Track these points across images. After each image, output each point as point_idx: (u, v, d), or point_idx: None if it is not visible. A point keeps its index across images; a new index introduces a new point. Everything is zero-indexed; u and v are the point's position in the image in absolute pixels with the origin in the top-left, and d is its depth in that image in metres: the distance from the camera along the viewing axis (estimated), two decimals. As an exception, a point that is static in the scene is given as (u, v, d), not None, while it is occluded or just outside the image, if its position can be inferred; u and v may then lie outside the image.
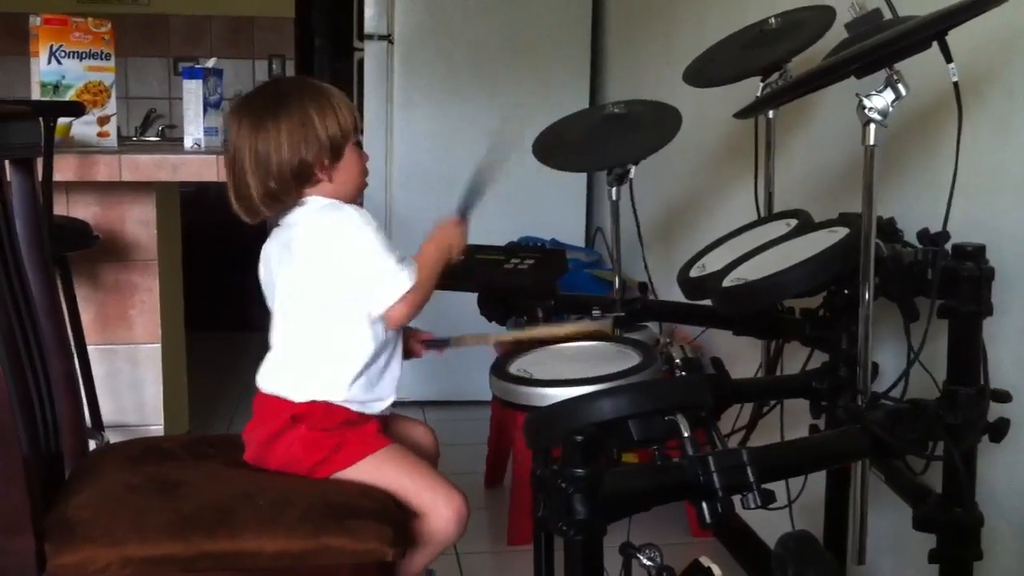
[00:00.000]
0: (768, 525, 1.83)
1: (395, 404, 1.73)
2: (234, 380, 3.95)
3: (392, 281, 1.60)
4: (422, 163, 3.81)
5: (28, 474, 1.39)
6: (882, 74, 1.38)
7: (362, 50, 3.87)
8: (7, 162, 1.54)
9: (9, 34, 4.54)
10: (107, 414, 2.83)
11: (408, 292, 1.60)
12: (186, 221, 3.50)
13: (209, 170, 2.61)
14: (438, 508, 1.61)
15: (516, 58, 3.83)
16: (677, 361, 1.75)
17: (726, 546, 2.35)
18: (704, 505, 1.24)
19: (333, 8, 5.12)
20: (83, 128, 2.71)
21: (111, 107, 2.77)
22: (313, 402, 1.62)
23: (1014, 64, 1.66)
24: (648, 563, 1.30)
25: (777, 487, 1.29)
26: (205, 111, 2.81)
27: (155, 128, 4.99)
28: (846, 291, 1.67)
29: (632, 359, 1.68)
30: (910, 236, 1.62)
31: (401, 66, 3.78)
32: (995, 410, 1.52)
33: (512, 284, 2.04)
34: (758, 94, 1.99)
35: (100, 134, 2.76)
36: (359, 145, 1.69)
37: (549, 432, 1.32)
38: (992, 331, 1.57)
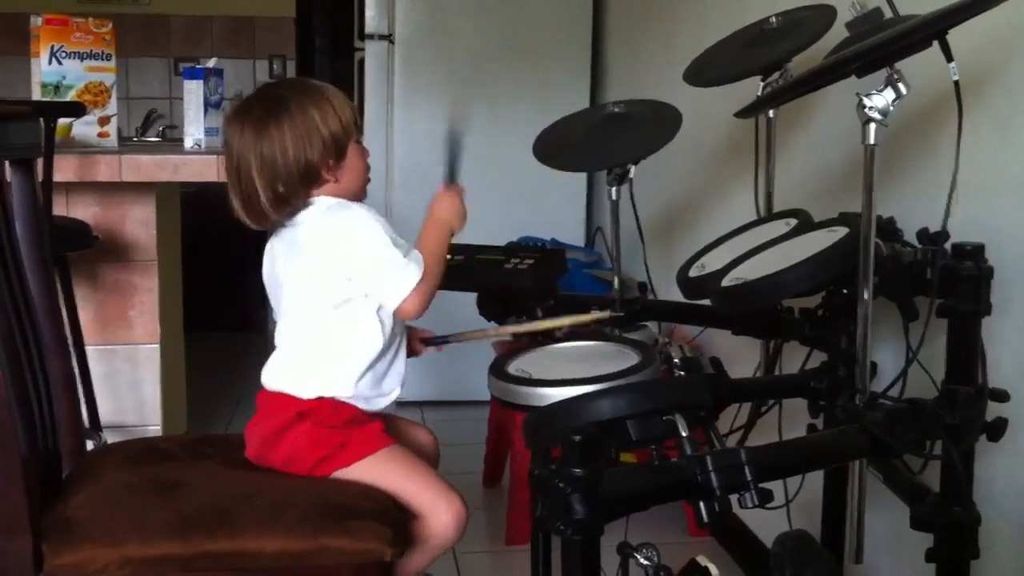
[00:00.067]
0: (766, 524, 1.83)
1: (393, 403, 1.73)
2: (233, 380, 3.95)
3: (401, 275, 1.60)
4: (422, 163, 3.80)
5: (26, 474, 1.39)
6: (882, 73, 1.38)
7: (363, 50, 3.87)
8: (7, 162, 1.54)
9: (10, 34, 4.54)
10: (105, 414, 2.82)
11: (419, 283, 1.60)
12: (186, 221, 3.50)
13: (210, 170, 2.61)
14: (438, 511, 1.61)
15: (516, 58, 3.83)
16: (676, 361, 1.75)
17: (724, 545, 2.34)
18: (702, 504, 1.24)
19: (334, 8, 5.12)
20: (84, 128, 2.71)
21: (112, 107, 2.77)
22: (321, 398, 1.63)
23: (1014, 63, 1.66)
24: (645, 562, 1.30)
25: (775, 486, 1.29)
26: (206, 111, 2.81)
27: (156, 128, 4.99)
28: (845, 291, 1.67)
29: (631, 359, 1.68)
30: (909, 235, 1.62)
31: (402, 66, 3.79)
32: (993, 409, 1.52)
33: (512, 284, 2.04)
34: (758, 93, 1.99)
35: (101, 134, 2.76)
36: (360, 142, 1.69)
37: (547, 432, 1.32)
38: (991, 331, 1.57)
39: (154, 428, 3.00)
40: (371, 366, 1.65)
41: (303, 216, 1.64)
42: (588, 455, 1.19)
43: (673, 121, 2.10)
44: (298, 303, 1.67)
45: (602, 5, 3.93)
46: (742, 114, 1.70)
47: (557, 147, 2.17)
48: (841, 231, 1.61)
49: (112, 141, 2.77)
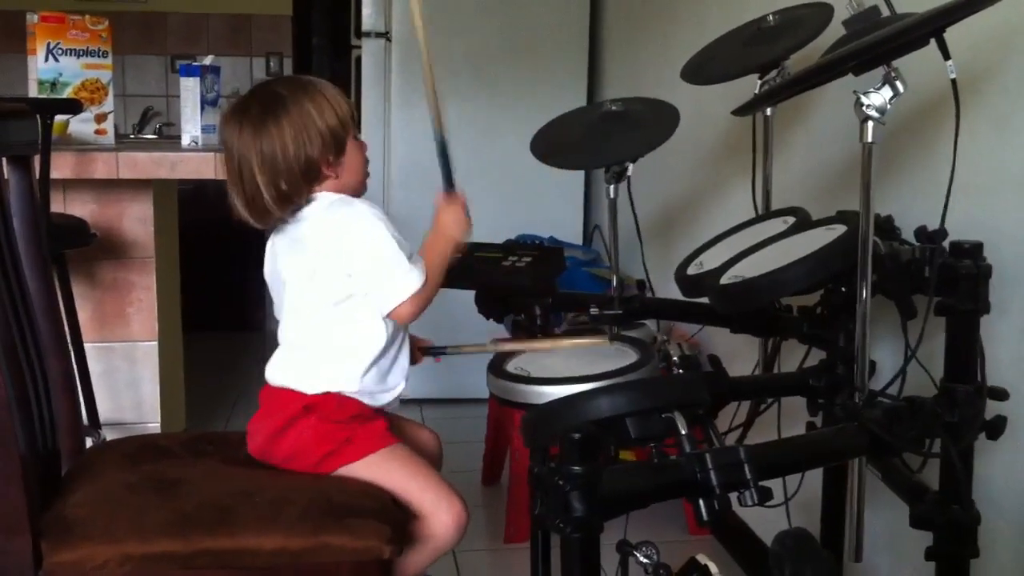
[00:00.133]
0: (765, 523, 1.83)
1: (392, 401, 1.73)
2: (231, 379, 3.95)
3: (403, 279, 1.60)
4: (421, 162, 3.78)
5: (25, 472, 1.39)
6: (880, 71, 1.38)
7: (360, 48, 3.87)
8: (4, 160, 1.54)
9: (6, 32, 4.53)
10: (104, 412, 2.83)
11: (418, 290, 1.60)
12: (184, 221, 3.50)
13: (207, 167, 2.61)
14: (439, 511, 1.61)
15: (514, 56, 3.83)
16: (674, 359, 1.76)
17: (723, 544, 2.34)
18: (701, 502, 1.25)
19: (331, 6, 5.12)
20: (80, 126, 2.70)
21: (108, 105, 2.77)
22: (327, 393, 1.63)
23: (1011, 61, 1.66)
24: (645, 561, 1.30)
25: (774, 484, 1.29)
26: (203, 108, 2.81)
27: (152, 126, 4.99)
28: (844, 289, 1.67)
29: (629, 357, 1.68)
30: (908, 234, 1.62)
31: (399, 64, 3.78)
32: (992, 408, 1.52)
33: (510, 282, 2.04)
34: (756, 91, 1.99)
35: (97, 132, 2.75)
36: (357, 137, 1.69)
37: (546, 430, 1.32)
38: (989, 329, 1.57)
39: (153, 425, 3.00)
40: (375, 362, 1.65)
41: (306, 212, 1.65)
42: (587, 453, 1.19)
43: (671, 119, 2.10)
44: (300, 300, 1.67)
45: (600, 3, 3.93)
46: (740, 112, 1.70)
47: (555, 145, 2.17)
48: (839, 229, 1.61)
49: (109, 138, 2.77)
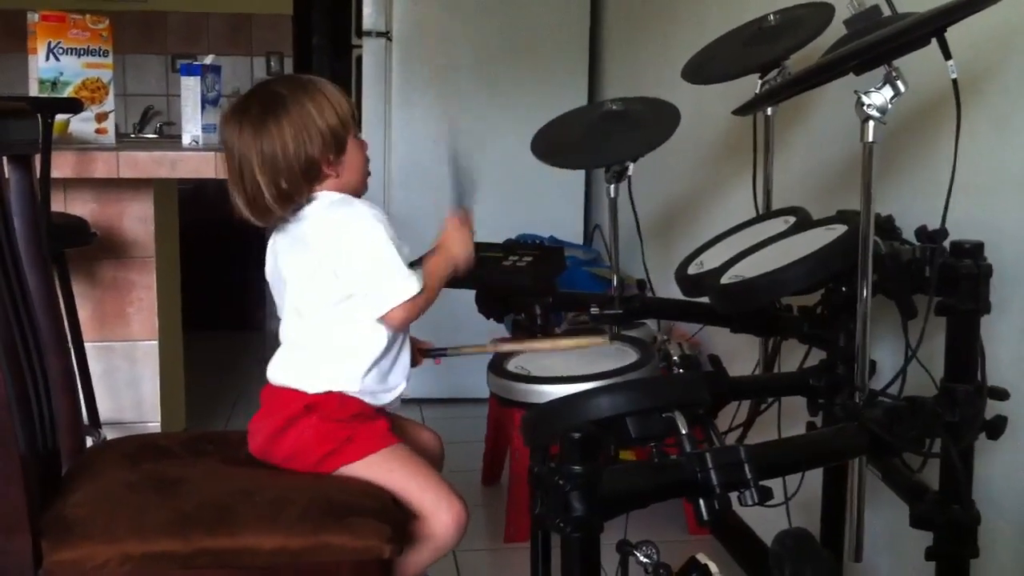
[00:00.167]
0: (765, 522, 1.83)
1: (392, 401, 1.73)
2: (232, 379, 3.95)
3: (400, 283, 1.60)
4: (421, 162, 3.80)
5: (25, 472, 1.39)
6: (881, 71, 1.38)
7: (360, 47, 3.87)
8: (5, 159, 1.54)
9: (7, 31, 4.53)
10: (104, 411, 2.82)
11: (412, 299, 1.60)
12: (185, 220, 3.50)
13: (207, 166, 2.61)
14: (439, 512, 1.61)
15: (515, 56, 3.83)
16: (675, 358, 1.76)
17: (723, 543, 2.34)
18: (701, 502, 1.24)
19: (331, 5, 5.12)
20: (81, 125, 2.70)
21: (109, 104, 2.77)
22: (328, 392, 1.63)
23: (1012, 62, 1.66)
24: (645, 560, 1.30)
25: (774, 484, 1.29)
26: (203, 108, 2.81)
27: (153, 125, 4.99)
28: (844, 288, 1.67)
29: (630, 356, 1.68)
30: (908, 233, 1.62)
31: (400, 63, 3.78)
32: (992, 408, 1.52)
33: (510, 282, 2.04)
34: (757, 91, 1.99)
35: (98, 131, 2.75)
36: (358, 136, 1.69)
37: (547, 429, 1.32)
38: (990, 329, 1.57)
39: (153, 425, 3.00)
40: (376, 362, 1.65)
41: (306, 211, 1.65)
42: (587, 453, 1.19)
43: (671, 119, 2.10)
44: (301, 299, 1.67)
45: (600, 3, 3.93)
46: (740, 112, 1.70)
47: (555, 145, 2.17)
48: (840, 229, 1.61)
49: (110, 137, 2.77)
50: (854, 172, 1.53)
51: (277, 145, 1.59)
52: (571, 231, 3.88)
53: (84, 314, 2.79)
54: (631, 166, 2.05)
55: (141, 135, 4.77)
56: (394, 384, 1.70)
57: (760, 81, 2.00)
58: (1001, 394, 1.52)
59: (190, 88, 2.81)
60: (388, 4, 3.75)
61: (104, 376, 2.92)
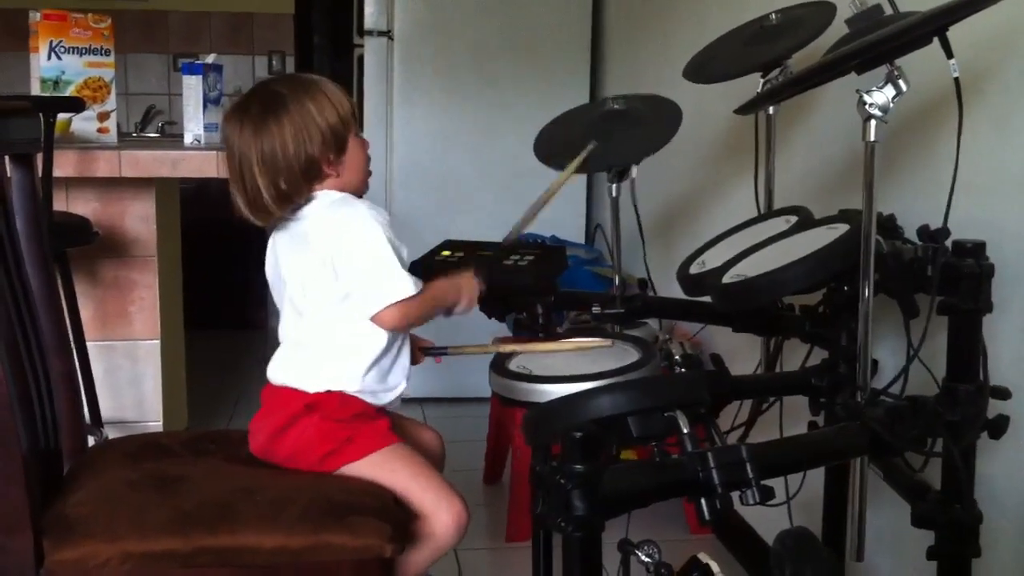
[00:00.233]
0: (766, 522, 1.83)
1: (393, 400, 1.73)
2: (233, 378, 3.95)
3: (394, 283, 1.60)
4: (422, 161, 3.80)
5: (27, 471, 1.39)
6: (883, 70, 1.37)
7: (362, 46, 3.87)
8: (7, 158, 1.54)
9: (9, 30, 4.54)
10: (106, 410, 2.83)
11: (406, 299, 1.60)
12: (187, 220, 3.50)
13: (209, 166, 2.61)
14: (439, 511, 1.61)
15: (516, 55, 3.83)
16: (676, 358, 1.75)
17: (724, 543, 2.35)
18: (703, 502, 1.24)
19: (333, 4, 5.12)
20: (83, 124, 2.71)
21: (111, 103, 2.77)
22: (329, 392, 1.63)
23: (1014, 60, 1.66)
24: (646, 560, 1.30)
25: (776, 484, 1.29)
26: (205, 107, 2.81)
27: (155, 124, 4.99)
28: (846, 288, 1.66)
29: (631, 355, 1.68)
30: (910, 233, 1.62)
31: (401, 63, 3.78)
32: (994, 407, 1.52)
33: (512, 281, 2.04)
34: (758, 90, 1.99)
35: (100, 130, 2.75)
36: (359, 135, 1.69)
37: (548, 428, 1.32)
38: (992, 328, 1.57)
39: (154, 424, 3.00)
40: (376, 361, 1.65)
41: (306, 211, 1.65)
42: (589, 452, 1.19)
43: (673, 118, 2.10)
44: (302, 298, 1.67)
45: (601, 3, 3.93)
46: (742, 111, 1.69)
47: (557, 144, 2.17)
48: (841, 228, 1.61)
49: (111, 137, 2.77)
50: (856, 171, 1.53)
51: (277, 144, 1.59)
52: (573, 230, 3.88)
53: (86, 313, 2.80)
54: (634, 167, 2.05)
55: (143, 134, 4.77)
56: (394, 384, 1.70)
57: (761, 80, 2.00)
58: (1003, 393, 1.52)
59: (192, 87, 2.81)
60: (389, 3, 3.75)
61: (106, 375, 2.92)
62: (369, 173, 1.72)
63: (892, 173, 1.92)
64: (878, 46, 1.35)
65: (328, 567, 1.46)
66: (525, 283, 2.00)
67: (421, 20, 3.78)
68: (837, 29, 1.79)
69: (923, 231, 1.54)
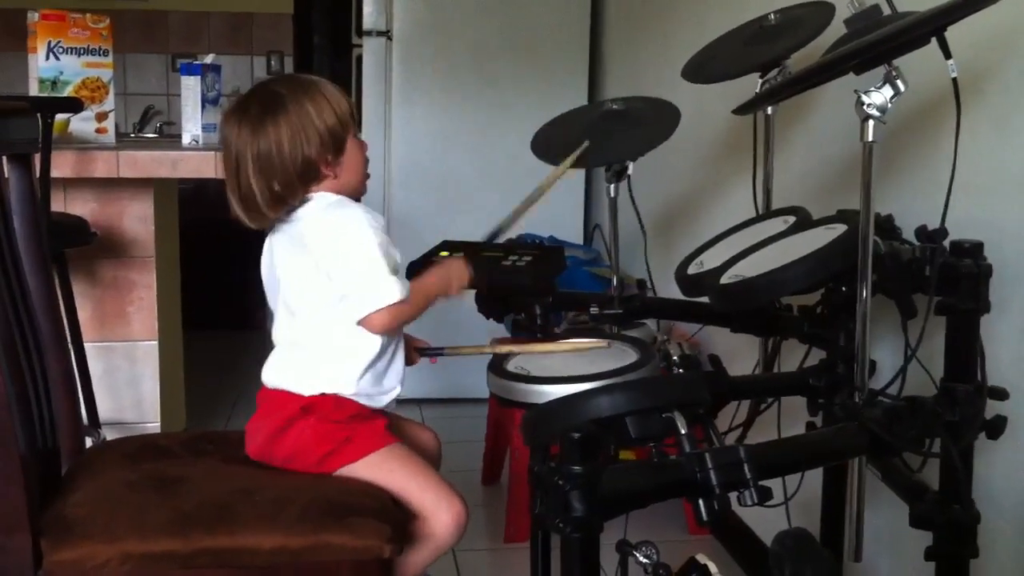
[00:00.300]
0: (765, 522, 1.83)
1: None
2: (232, 378, 3.95)
3: (382, 288, 1.59)
4: (421, 161, 3.80)
5: (25, 471, 1.39)
6: (881, 70, 1.38)
7: (361, 46, 3.87)
8: (5, 158, 1.54)
9: (7, 30, 4.53)
10: (104, 411, 2.82)
11: (395, 304, 1.59)
12: (185, 220, 3.50)
13: (208, 166, 2.61)
14: (439, 511, 1.61)
15: (515, 55, 3.83)
16: (675, 358, 1.75)
17: (723, 543, 2.34)
18: (701, 502, 1.24)
19: (332, 4, 5.12)
20: (81, 124, 2.70)
21: (109, 103, 2.77)
22: (324, 394, 1.63)
23: (1012, 61, 1.66)
24: (645, 560, 1.30)
25: (774, 484, 1.29)
26: (203, 107, 2.81)
27: (153, 124, 4.99)
28: (844, 288, 1.67)
29: (630, 356, 1.68)
30: (908, 233, 1.62)
31: (400, 63, 3.78)
32: (992, 407, 1.52)
33: (510, 281, 2.04)
34: (757, 90, 1.99)
35: (98, 130, 2.75)
36: (357, 136, 1.69)
37: (546, 429, 1.32)
38: (990, 328, 1.57)
39: (153, 425, 3.00)
40: (371, 365, 1.65)
41: (302, 212, 1.64)
42: (587, 452, 1.19)
43: (671, 118, 2.10)
44: (297, 301, 1.67)
45: (601, 3, 3.93)
46: (740, 111, 1.69)
47: (554, 145, 2.17)
48: (839, 228, 1.61)
49: (110, 137, 2.77)
50: (854, 171, 1.53)
51: (273, 146, 1.59)
52: (571, 231, 3.87)
53: (84, 314, 2.79)
54: (631, 165, 2.05)
55: (141, 135, 4.77)
56: (389, 387, 1.69)
57: (760, 80, 2.00)
58: (1001, 394, 1.52)
59: (190, 87, 2.81)
60: (388, 3, 3.75)
61: (104, 376, 2.92)
62: (367, 175, 1.72)
63: (890, 173, 1.92)
64: (876, 46, 1.36)
65: (327, 568, 1.45)
66: (523, 284, 2.01)
67: (420, 20, 3.78)
68: (836, 29, 1.79)
69: (921, 231, 1.55)
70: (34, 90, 2.68)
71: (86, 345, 2.71)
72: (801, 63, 1.86)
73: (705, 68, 2.13)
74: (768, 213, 2.04)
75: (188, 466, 1.63)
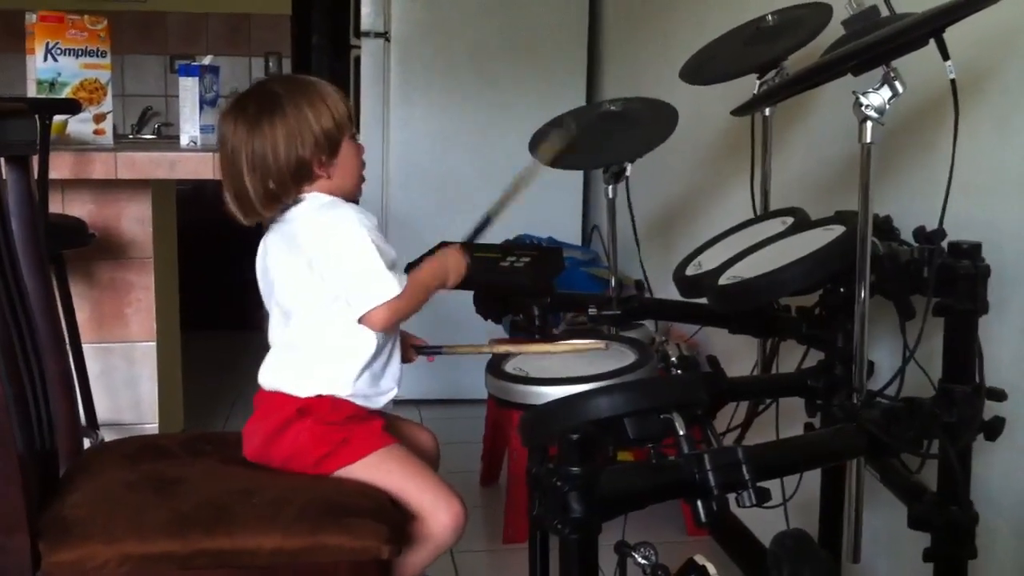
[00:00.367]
0: (763, 523, 1.83)
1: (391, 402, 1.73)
2: (230, 379, 3.94)
3: (379, 284, 1.59)
4: (420, 162, 3.80)
5: (23, 472, 1.39)
6: (879, 71, 1.38)
7: (359, 48, 3.87)
8: (3, 160, 1.54)
9: (5, 31, 4.52)
10: (102, 412, 2.82)
11: (393, 299, 1.59)
12: (183, 221, 3.50)
13: (205, 167, 2.61)
14: (437, 512, 1.61)
15: (513, 56, 3.83)
16: (673, 359, 1.75)
17: (721, 545, 2.34)
18: (699, 503, 1.24)
19: (330, 5, 5.12)
20: (79, 126, 2.70)
21: (107, 105, 2.77)
22: (320, 396, 1.63)
23: (1011, 62, 1.66)
24: (643, 562, 1.30)
25: (772, 485, 1.29)
26: (201, 108, 2.81)
27: (151, 126, 4.98)
28: (842, 289, 1.67)
29: (628, 357, 1.68)
30: (906, 234, 1.62)
31: (398, 64, 3.78)
32: (990, 408, 1.52)
33: (509, 282, 2.04)
34: (755, 91, 1.99)
35: (96, 132, 2.75)
36: (354, 138, 1.69)
37: (545, 430, 1.32)
38: (988, 329, 1.57)
39: (151, 426, 3.00)
40: (367, 365, 1.65)
41: (295, 212, 1.64)
42: (585, 453, 1.19)
43: (670, 119, 2.10)
44: (291, 301, 1.67)
45: (599, 3, 3.93)
46: (738, 112, 1.70)
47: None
48: (838, 229, 1.61)
49: (107, 138, 2.77)
50: (852, 173, 1.53)
51: (268, 146, 1.59)
52: (569, 232, 3.87)
53: (82, 315, 2.79)
54: (629, 167, 2.05)
55: (139, 136, 4.77)
56: (385, 389, 1.69)
57: (758, 81, 2.00)
58: (999, 395, 1.52)
59: (188, 89, 2.81)
60: (387, 4, 3.75)
61: (102, 377, 2.92)
62: (363, 178, 1.72)
63: (888, 174, 1.92)
64: (874, 48, 1.36)
65: (325, 569, 1.45)
66: (522, 284, 2.01)
67: (418, 21, 3.78)
68: (834, 30, 1.79)
69: (919, 232, 1.55)
70: (32, 91, 2.68)
71: (84, 346, 2.70)
72: (799, 64, 1.86)
73: (703, 69, 2.13)
74: (766, 214, 2.04)
75: (186, 467, 1.63)
